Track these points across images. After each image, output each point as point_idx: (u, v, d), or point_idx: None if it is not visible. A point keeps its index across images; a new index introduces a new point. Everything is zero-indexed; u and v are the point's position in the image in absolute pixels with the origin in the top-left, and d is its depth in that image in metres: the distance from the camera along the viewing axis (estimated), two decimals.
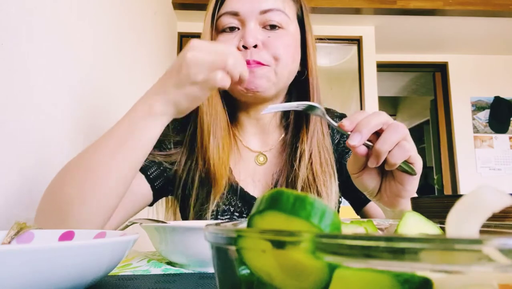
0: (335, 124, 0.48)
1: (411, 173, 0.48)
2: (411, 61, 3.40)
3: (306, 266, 0.13)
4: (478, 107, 3.34)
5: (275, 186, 0.68)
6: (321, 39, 2.67)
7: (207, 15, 0.66)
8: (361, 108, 2.81)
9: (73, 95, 0.80)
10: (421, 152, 4.89)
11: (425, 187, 4.64)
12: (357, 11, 2.61)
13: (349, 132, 0.46)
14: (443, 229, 0.20)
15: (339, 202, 0.74)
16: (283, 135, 0.72)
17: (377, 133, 0.47)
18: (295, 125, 0.70)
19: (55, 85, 0.72)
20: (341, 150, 0.75)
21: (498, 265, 0.09)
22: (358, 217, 0.76)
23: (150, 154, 0.52)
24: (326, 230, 0.14)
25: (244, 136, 0.72)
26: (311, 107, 0.50)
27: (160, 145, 0.66)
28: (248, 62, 0.60)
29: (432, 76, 3.61)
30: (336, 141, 0.75)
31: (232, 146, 0.70)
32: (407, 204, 0.51)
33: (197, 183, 0.66)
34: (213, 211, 0.65)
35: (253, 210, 0.16)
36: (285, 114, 0.74)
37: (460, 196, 0.16)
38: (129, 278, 0.36)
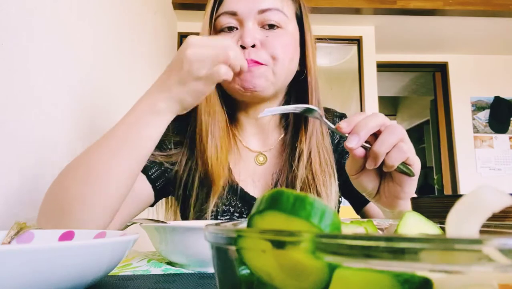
0: (333, 126, 0.48)
1: (409, 174, 0.48)
2: (411, 61, 3.40)
3: (306, 266, 0.13)
4: (478, 107, 3.34)
5: (275, 186, 0.68)
6: (321, 39, 2.67)
7: (206, 15, 0.66)
8: (361, 108, 2.81)
9: (73, 95, 0.80)
10: (421, 151, 4.89)
11: (425, 187, 4.65)
12: (357, 11, 2.61)
13: (346, 135, 0.46)
14: (443, 229, 0.20)
15: (339, 202, 0.74)
16: (282, 135, 0.72)
17: (375, 135, 0.47)
18: (294, 125, 0.70)
19: (55, 85, 0.72)
20: (341, 150, 0.75)
21: (498, 265, 0.09)
22: (358, 217, 0.76)
23: (151, 154, 0.52)
24: (326, 230, 0.14)
25: (244, 137, 0.72)
26: (309, 110, 0.50)
27: (160, 145, 0.66)
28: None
29: (432, 76, 3.62)
30: (336, 141, 0.75)
31: (232, 146, 0.70)
32: (406, 205, 0.52)
33: (197, 183, 0.66)
34: (212, 211, 0.65)
35: (253, 210, 0.16)
36: (285, 114, 0.74)
37: (460, 196, 0.16)
38: (129, 278, 0.36)
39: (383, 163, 0.47)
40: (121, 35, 1.20)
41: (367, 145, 0.47)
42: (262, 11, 0.63)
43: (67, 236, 0.38)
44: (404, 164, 0.47)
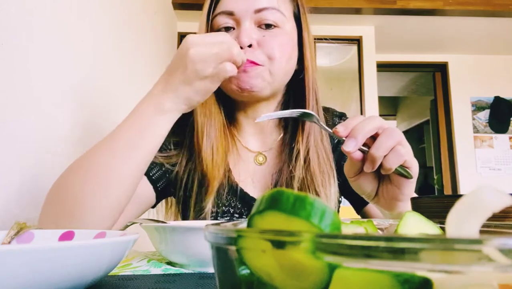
0: (330, 130, 0.48)
1: (408, 176, 0.48)
2: (411, 61, 3.40)
3: (306, 266, 0.13)
4: (478, 107, 3.34)
5: (275, 186, 0.67)
6: (321, 39, 2.67)
7: (202, 15, 0.66)
8: (361, 108, 2.81)
9: (73, 95, 0.80)
10: (421, 151, 4.89)
11: (425, 187, 4.64)
12: (357, 11, 2.61)
13: (344, 138, 0.46)
14: (443, 229, 0.20)
15: (339, 202, 0.74)
16: (281, 135, 0.72)
17: (373, 137, 0.47)
18: (293, 125, 0.70)
19: (55, 85, 0.72)
20: (340, 150, 0.75)
21: (498, 265, 0.09)
22: (359, 217, 0.76)
23: None
24: (326, 230, 0.14)
25: (243, 137, 0.72)
26: (306, 115, 0.50)
27: (160, 146, 0.66)
28: None
29: (432, 76, 3.62)
30: (336, 141, 0.75)
31: (231, 146, 0.70)
32: (405, 207, 0.52)
33: (196, 184, 0.66)
34: (212, 212, 0.65)
35: (253, 210, 0.16)
36: None
37: (460, 196, 0.16)
38: (129, 278, 0.36)
39: (381, 165, 0.47)
40: (121, 35, 1.20)
41: (365, 148, 0.47)
42: (259, 11, 0.62)
43: (67, 236, 0.38)
44: (402, 166, 0.47)
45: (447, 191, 3.29)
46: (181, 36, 2.64)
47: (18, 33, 0.60)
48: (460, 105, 3.33)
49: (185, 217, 0.69)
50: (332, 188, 0.66)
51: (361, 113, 2.80)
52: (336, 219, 0.15)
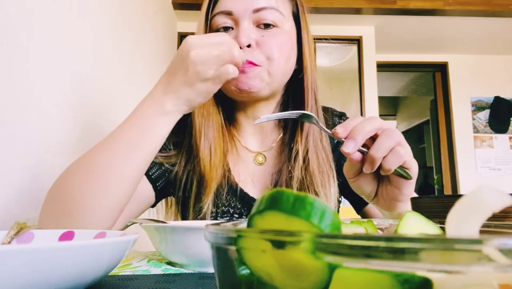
0: (329, 131, 0.48)
1: (407, 177, 0.48)
2: (411, 61, 3.40)
3: (306, 266, 0.13)
4: (478, 107, 3.34)
5: (275, 186, 0.67)
6: (321, 39, 2.68)
7: (201, 15, 0.66)
8: (361, 108, 2.81)
9: (73, 95, 0.80)
10: (421, 151, 4.89)
11: (425, 187, 4.64)
12: (357, 11, 2.61)
13: (343, 139, 0.46)
14: (443, 229, 0.20)
15: (339, 202, 0.74)
16: (281, 135, 0.72)
17: (373, 138, 0.47)
18: (292, 125, 0.70)
19: (55, 85, 0.72)
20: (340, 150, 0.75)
21: (498, 265, 0.09)
22: (359, 217, 0.76)
23: None
24: (326, 230, 0.14)
25: (243, 137, 0.72)
26: (305, 116, 0.50)
27: None
28: None
29: (432, 76, 3.62)
30: (336, 141, 0.75)
31: (231, 146, 0.70)
32: (404, 207, 0.52)
33: (195, 184, 0.66)
34: (212, 212, 0.65)
35: (253, 210, 0.16)
36: None
37: (460, 196, 0.16)
38: (129, 278, 0.36)
39: (380, 166, 0.47)
40: (121, 35, 1.20)
41: (364, 149, 0.47)
42: (257, 10, 0.62)
43: (67, 236, 0.38)
44: (401, 167, 0.47)
45: (447, 191, 3.29)
46: (181, 36, 2.64)
47: (18, 33, 0.60)
48: (460, 105, 3.33)
49: (184, 217, 0.69)
50: (331, 188, 0.66)
51: (361, 113, 2.80)
52: (336, 219, 0.15)
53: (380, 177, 0.53)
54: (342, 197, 0.76)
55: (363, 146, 0.47)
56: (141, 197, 0.62)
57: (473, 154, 3.25)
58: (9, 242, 0.36)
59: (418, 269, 0.10)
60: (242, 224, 0.19)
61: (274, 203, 0.15)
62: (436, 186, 3.92)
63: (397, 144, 0.46)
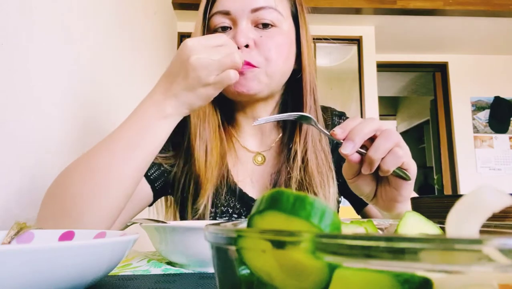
0: (327, 133, 0.48)
1: (406, 178, 0.48)
2: (411, 61, 3.40)
3: (306, 266, 0.13)
4: (478, 107, 3.34)
5: (274, 186, 0.67)
6: (321, 39, 2.68)
7: (198, 15, 0.65)
8: (361, 108, 2.81)
9: (73, 95, 0.80)
10: (421, 151, 4.89)
11: (425, 187, 4.65)
12: (357, 11, 2.61)
13: (341, 141, 0.46)
14: (443, 229, 0.20)
15: (338, 202, 0.74)
16: (280, 135, 0.72)
17: (371, 139, 0.47)
18: (291, 126, 0.70)
19: (55, 85, 0.72)
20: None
21: (498, 265, 0.09)
22: (359, 217, 0.76)
23: None
24: (326, 230, 0.14)
25: (242, 137, 0.72)
26: (304, 117, 0.50)
27: None
28: None
29: (432, 76, 3.62)
30: (335, 142, 0.75)
31: (230, 146, 0.70)
32: (403, 208, 0.52)
33: (193, 185, 0.66)
34: (211, 212, 0.65)
35: (253, 210, 0.16)
36: None
37: (460, 196, 0.16)
38: (129, 278, 0.36)
39: (379, 167, 0.47)
40: (121, 35, 1.20)
41: (363, 150, 0.47)
42: (256, 10, 0.62)
43: (67, 236, 0.38)
44: (400, 168, 0.47)
45: (447, 191, 3.29)
46: (181, 36, 2.64)
47: (18, 33, 0.60)
48: (460, 105, 3.33)
49: (183, 218, 0.69)
50: (330, 189, 0.66)
51: (361, 113, 2.80)
52: (336, 219, 0.15)
53: (379, 177, 0.53)
54: (342, 197, 0.76)
55: (362, 147, 0.47)
56: (140, 197, 0.62)
57: (473, 154, 3.25)
58: (9, 242, 0.36)
59: (418, 269, 0.10)
60: (242, 224, 0.19)
61: (274, 203, 0.15)
62: (436, 186, 3.92)
63: (395, 145, 0.46)
